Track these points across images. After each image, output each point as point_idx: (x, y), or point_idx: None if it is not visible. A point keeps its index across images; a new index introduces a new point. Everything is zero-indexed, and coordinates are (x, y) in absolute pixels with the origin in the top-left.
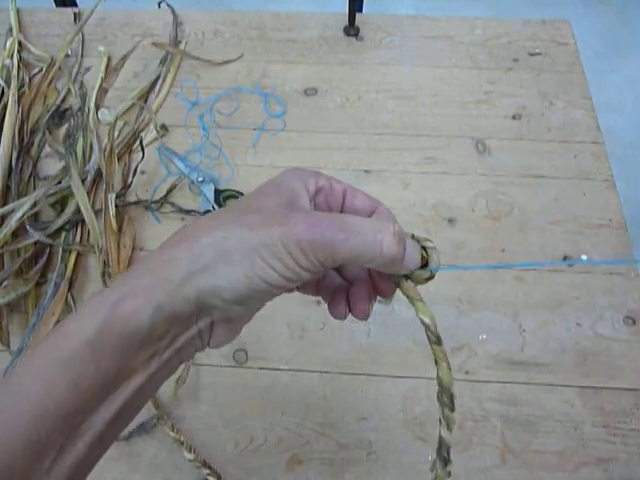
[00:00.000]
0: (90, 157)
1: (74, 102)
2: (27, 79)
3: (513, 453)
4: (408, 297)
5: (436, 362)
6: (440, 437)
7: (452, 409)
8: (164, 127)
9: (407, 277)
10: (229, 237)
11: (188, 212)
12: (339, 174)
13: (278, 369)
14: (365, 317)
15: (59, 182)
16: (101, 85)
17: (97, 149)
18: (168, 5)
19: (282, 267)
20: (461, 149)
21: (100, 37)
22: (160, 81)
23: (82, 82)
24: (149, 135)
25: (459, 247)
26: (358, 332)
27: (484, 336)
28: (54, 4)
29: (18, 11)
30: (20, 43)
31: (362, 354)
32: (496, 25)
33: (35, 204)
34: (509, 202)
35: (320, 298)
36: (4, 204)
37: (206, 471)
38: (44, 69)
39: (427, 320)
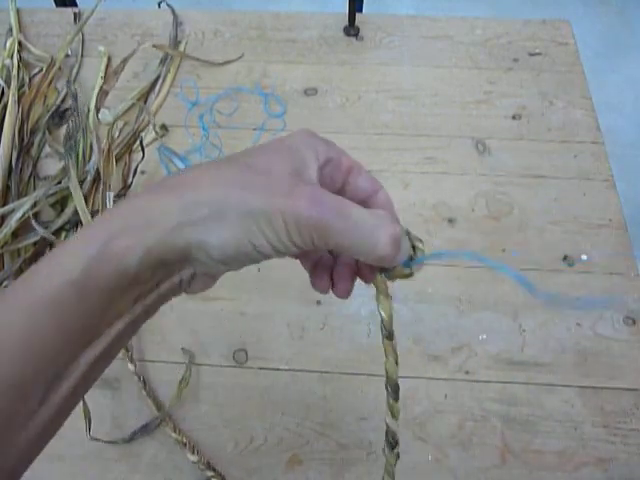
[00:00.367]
0: (90, 157)
1: (74, 102)
2: (27, 79)
3: (513, 453)
4: (377, 289)
5: (386, 355)
6: (386, 424)
7: (396, 399)
8: (164, 127)
9: (384, 270)
10: (229, 197)
11: None
12: None
13: (278, 369)
14: (347, 296)
15: (59, 182)
16: (101, 86)
17: (97, 149)
18: (168, 5)
19: (275, 238)
20: (461, 149)
21: (100, 37)
22: (160, 81)
23: (78, 83)
24: (149, 135)
25: (459, 247)
26: (358, 332)
27: (484, 336)
28: (54, 4)
29: (18, 11)
30: (20, 43)
31: (362, 354)
32: (496, 25)
33: (35, 204)
34: (509, 202)
35: (319, 295)
36: (4, 204)
37: (210, 473)
38: (44, 69)
39: (384, 315)
